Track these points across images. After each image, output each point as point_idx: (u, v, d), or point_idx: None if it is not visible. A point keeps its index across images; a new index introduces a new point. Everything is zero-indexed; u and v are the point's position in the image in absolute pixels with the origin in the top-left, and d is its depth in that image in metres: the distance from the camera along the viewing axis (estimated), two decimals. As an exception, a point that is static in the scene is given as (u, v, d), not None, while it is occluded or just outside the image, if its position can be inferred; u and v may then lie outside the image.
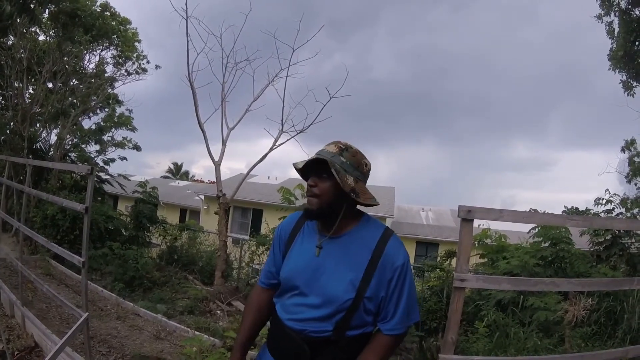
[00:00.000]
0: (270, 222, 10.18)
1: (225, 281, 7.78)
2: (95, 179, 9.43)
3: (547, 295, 5.40)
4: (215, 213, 7.94)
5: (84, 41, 10.57)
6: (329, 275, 1.37)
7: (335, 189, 1.37)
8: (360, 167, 1.42)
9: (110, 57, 12.22)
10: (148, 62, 12.89)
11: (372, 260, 1.36)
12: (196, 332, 4.88)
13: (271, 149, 8.34)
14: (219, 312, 7.02)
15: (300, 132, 8.24)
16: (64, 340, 2.67)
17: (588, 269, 6.15)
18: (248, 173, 8.93)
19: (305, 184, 1.46)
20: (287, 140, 8.37)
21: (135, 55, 12.48)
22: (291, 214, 1.63)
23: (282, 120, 8.23)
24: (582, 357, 2.24)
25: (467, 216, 2.01)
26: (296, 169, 1.46)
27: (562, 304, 5.12)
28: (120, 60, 12.25)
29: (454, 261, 10.92)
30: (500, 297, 5.83)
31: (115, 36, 11.75)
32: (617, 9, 8.12)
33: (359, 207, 1.46)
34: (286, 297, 1.46)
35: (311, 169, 1.41)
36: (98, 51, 11.77)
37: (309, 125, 8.16)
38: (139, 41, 12.56)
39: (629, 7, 7.85)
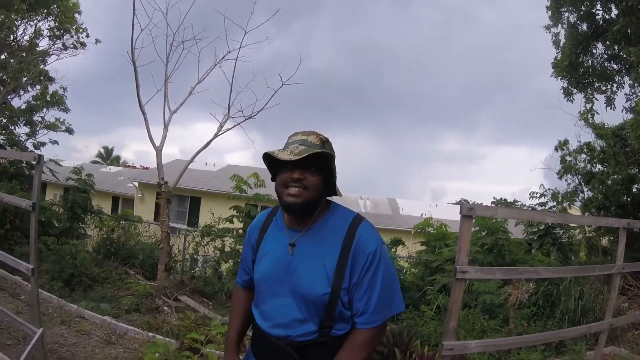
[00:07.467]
0: (215, 212, 9.78)
1: (169, 275, 7.40)
2: (26, 165, 8.45)
3: (490, 280, 5.85)
4: (157, 203, 7.44)
5: (20, 10, 9.17)
6: (302, 271, 1.30)
7: (322, 183, 1.32)
8: (334, 158, 1.39)
9: (47, 29, 10.84)
10: (88, 35, 11.67)
11: (343, 248, 1.29)
12: (150, 334, 4.58)
13: (216, 135, 7.97)
14: (166, 308, 6.68)
15: (248, 118, 7.94)
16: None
17: (524, 255, 6.79)
18: (192, 159, 8.44)
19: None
20: (235, 126, 8.06)
21: (74, 28, 11.18)
22: (261, 213, 1.54)
23: (229, 105, 7.88)
24: (558, 333, 2.44)
25: (468, 213, 2.06)
26: (275, 158, 1.28)
27: (505, 287, 5.59)
28: (58, 33, 10.89)
29: (399, 249, 11.56)
30: (445, 282, 6.19)
31: (55, 5, 10.37)
32: (565, 22, 8.95)
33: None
34: (261, 301, 1.38)
35: (295, 161, 1.27)
36: (34, 22, 10.35)
37: (259, 111, 7.85)
38: (80, 12, 11.29)
39: (577, 21, 8.66)
